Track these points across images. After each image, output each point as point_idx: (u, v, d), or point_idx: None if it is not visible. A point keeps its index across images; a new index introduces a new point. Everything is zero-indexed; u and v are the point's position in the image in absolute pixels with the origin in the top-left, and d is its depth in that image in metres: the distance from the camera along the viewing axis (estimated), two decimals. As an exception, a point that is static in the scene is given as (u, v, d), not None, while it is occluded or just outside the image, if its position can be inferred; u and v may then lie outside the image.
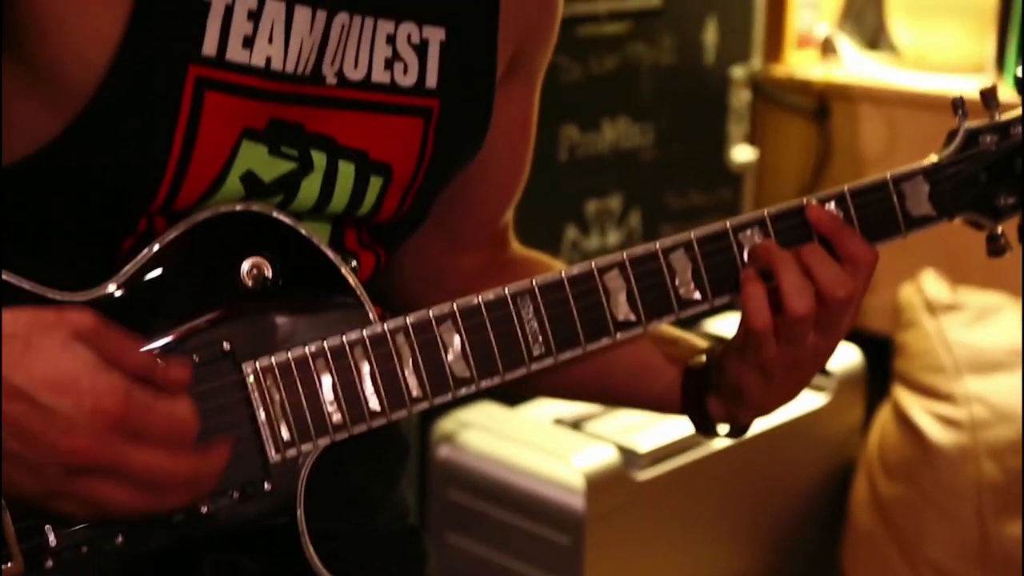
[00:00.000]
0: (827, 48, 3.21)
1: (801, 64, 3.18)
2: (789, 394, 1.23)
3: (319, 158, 1.17)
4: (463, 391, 1.17)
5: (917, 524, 2.75)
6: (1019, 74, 1.26)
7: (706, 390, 1.27)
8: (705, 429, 1.29)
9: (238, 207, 1.13)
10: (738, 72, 3.04)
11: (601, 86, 2.80)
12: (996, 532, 2.70)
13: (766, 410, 1.24)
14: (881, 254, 1.21)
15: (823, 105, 3.11)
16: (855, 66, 3.19)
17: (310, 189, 1.17)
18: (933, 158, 1.25)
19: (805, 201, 1.21)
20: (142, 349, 1.06)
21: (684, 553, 2.64)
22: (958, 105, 1.25)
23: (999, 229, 1.26)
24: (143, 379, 1.01)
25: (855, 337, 2.87)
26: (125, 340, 1.02)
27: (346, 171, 1.18)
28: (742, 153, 3.09)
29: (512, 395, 2.53)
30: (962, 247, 1.22)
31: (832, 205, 1.22)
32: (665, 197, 2.98)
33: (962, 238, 1.27)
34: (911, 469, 2.75)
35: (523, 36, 1.28)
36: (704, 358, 1.27)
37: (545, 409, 2.63)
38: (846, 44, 3.25)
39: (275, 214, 1.14)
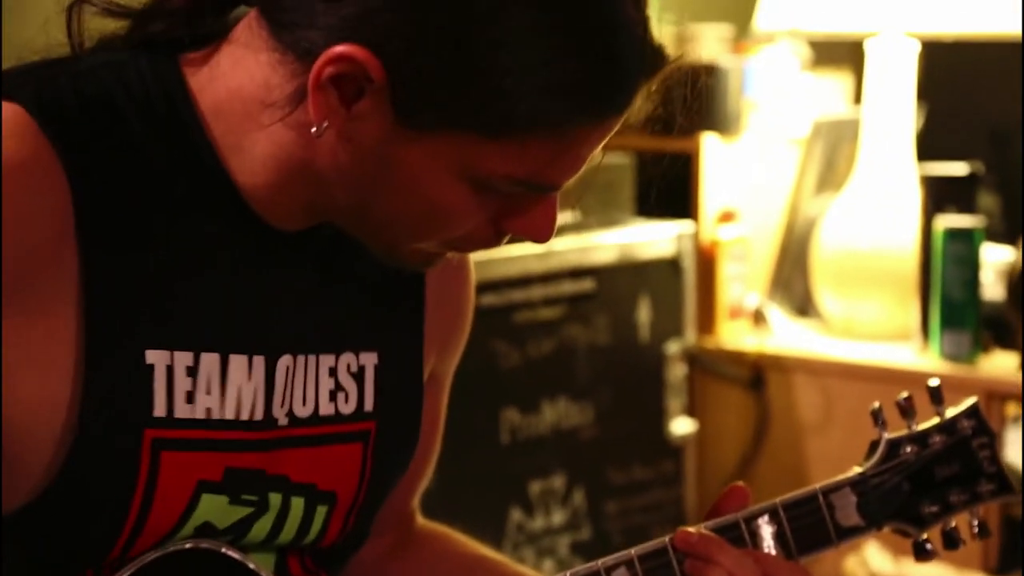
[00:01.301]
0: (758, 318, 3.31)
1: (734, 335, 3.26)
2: None
3: (275, 499, 1.19)
4: None
5: None
6: (932, 384, 1.32)
7: None
8: None
9: (187, 545, 1.16)
10: (673, 347, 3.12)
11: (539, 369, 2.86)
12: None
13: None
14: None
15: (758, 375, 3.18)
16: (786, 335, 3.27)
17: (262, 528, 1.19)
18: (858, 469, 1.30)
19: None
20: None
21: None
22: (876, 415, 1.31)
23: (924, 536, 1.30)
24: None
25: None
26: None
27: (296, 506, 1.21)
28: (681, 426, 3.15)
29: None
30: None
31: (766, 518, 1.27)
32: (608, 473, 3.02)
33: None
34: None
35: (441, 349, 1.33)
36: None
37: None
38: (776, 313, 3.35)
39: (224, 550, 1.17)
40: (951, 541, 1.31)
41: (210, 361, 1.15)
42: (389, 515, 1.35)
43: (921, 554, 1.30)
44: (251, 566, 1.18)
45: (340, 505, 1.23)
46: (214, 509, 1.16)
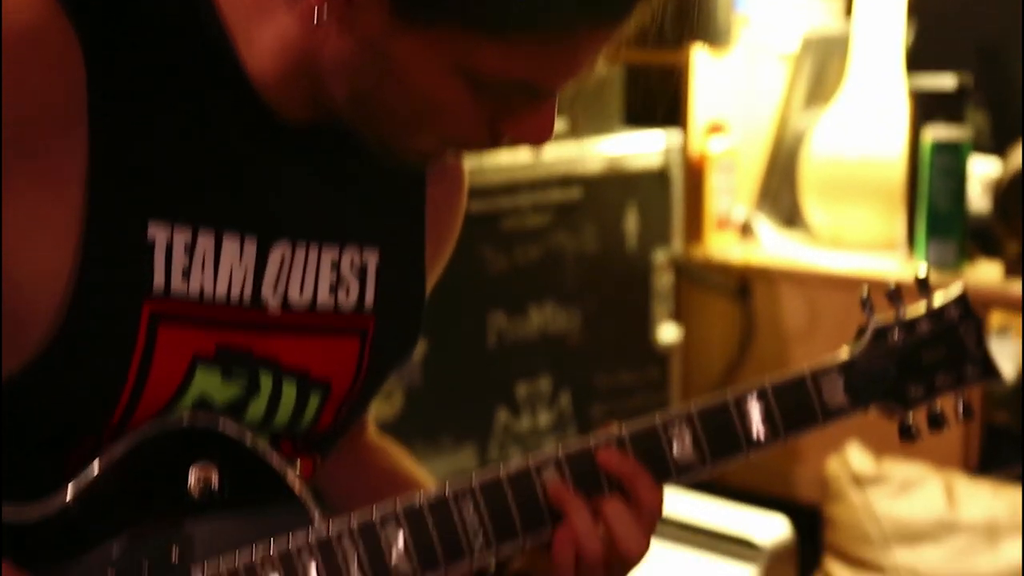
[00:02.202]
0: (746, 229, 3.32)
1: (721, 245, 3.28)
2: None
3: (266, 381, 1.21)
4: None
5: None
6: (921, 275, 1.34)
7: None
8: None
9: (184, 420, 1.18)
10: (660, 256, 3.14)
11: (527, 275, 2.88)
12: None
13: None
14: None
15: (744, 285, 3.21)
16: (773, 246, 3.29)
17: (256, 410, 1.22)
18: (845, 354, 1.32)
19: (593, 444, 1.24)
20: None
21: None
22: (865, 302, 1.33)
23: (910, 416, 1.33)
24: None
25: (785, 507, 2.92)
26: None
27: (288, 390, 1.23)
28: (668, 332, 3.17)
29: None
30: (883, 419, 1.31)
31: (754, 398, 1.28)
32: (594, 378, 3.05)
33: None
34: (844, 642, 2.79)
35: (434, 253, 1.35)
36: None
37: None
38: (764, 225, 3.37)
39: (220, 426, 1.19)
40: (936, 422, 1.33)
41: (206, 239, 1.17)
42: None
43: (905, 435, 1.33)
44: (247, 441, 1.19)
45: (334, 396, 1.26)
46: (209, 383, 1.18)
